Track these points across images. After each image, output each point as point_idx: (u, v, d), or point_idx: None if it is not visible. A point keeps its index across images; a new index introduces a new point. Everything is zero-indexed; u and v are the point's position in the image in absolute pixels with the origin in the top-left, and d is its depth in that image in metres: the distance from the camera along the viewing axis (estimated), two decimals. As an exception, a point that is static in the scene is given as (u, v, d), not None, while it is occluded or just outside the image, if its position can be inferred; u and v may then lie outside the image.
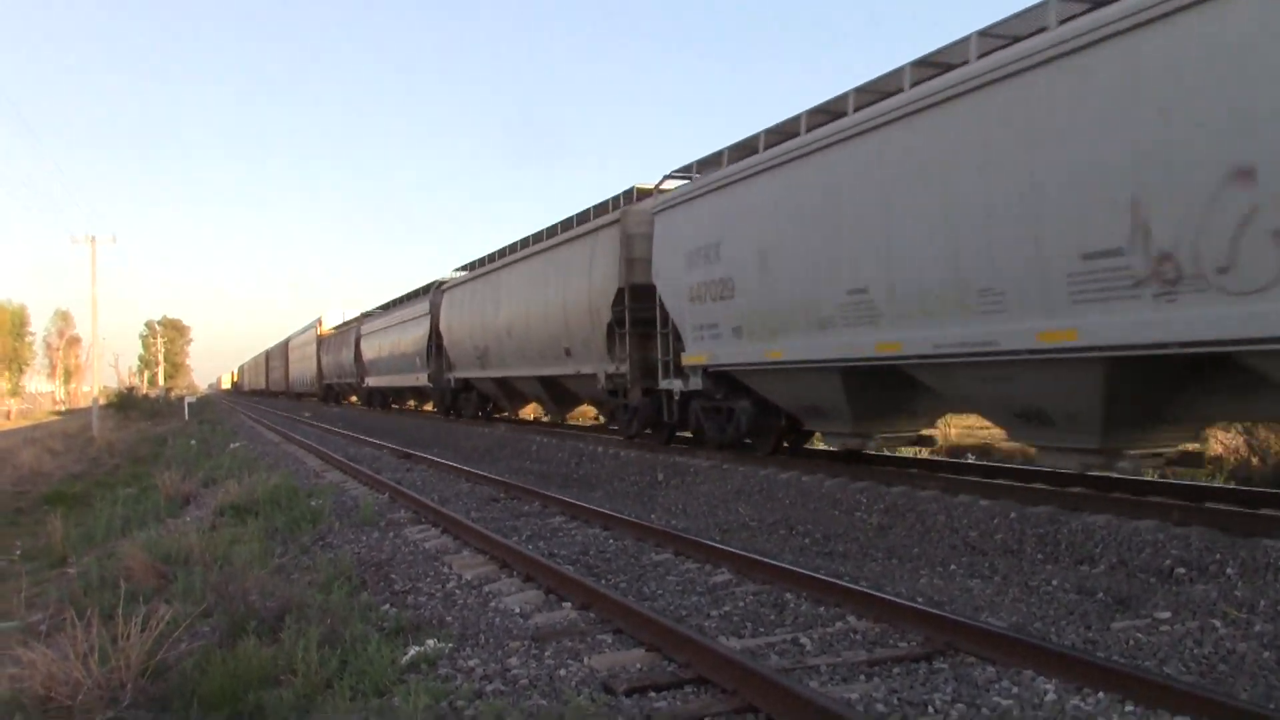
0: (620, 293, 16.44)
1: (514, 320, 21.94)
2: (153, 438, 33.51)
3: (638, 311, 16.25)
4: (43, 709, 5.16)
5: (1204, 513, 8.26)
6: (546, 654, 5.51)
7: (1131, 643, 5.44)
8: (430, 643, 5.67)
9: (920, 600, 6.33)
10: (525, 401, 26.44)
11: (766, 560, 7.46)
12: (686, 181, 14.78)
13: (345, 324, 49.16)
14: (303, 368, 62.13)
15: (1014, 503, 9.16)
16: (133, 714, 4.95)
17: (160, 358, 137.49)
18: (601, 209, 18.61)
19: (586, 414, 26.87)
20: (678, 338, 14.84)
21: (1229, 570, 6.76)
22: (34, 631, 7.02)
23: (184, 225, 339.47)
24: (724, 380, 13.82)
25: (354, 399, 50.31)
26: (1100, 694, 4.47)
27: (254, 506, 11.48)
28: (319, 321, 55.55)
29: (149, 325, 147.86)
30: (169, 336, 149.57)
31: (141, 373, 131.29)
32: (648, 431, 17.27)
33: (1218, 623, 5.69)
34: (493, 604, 6.76)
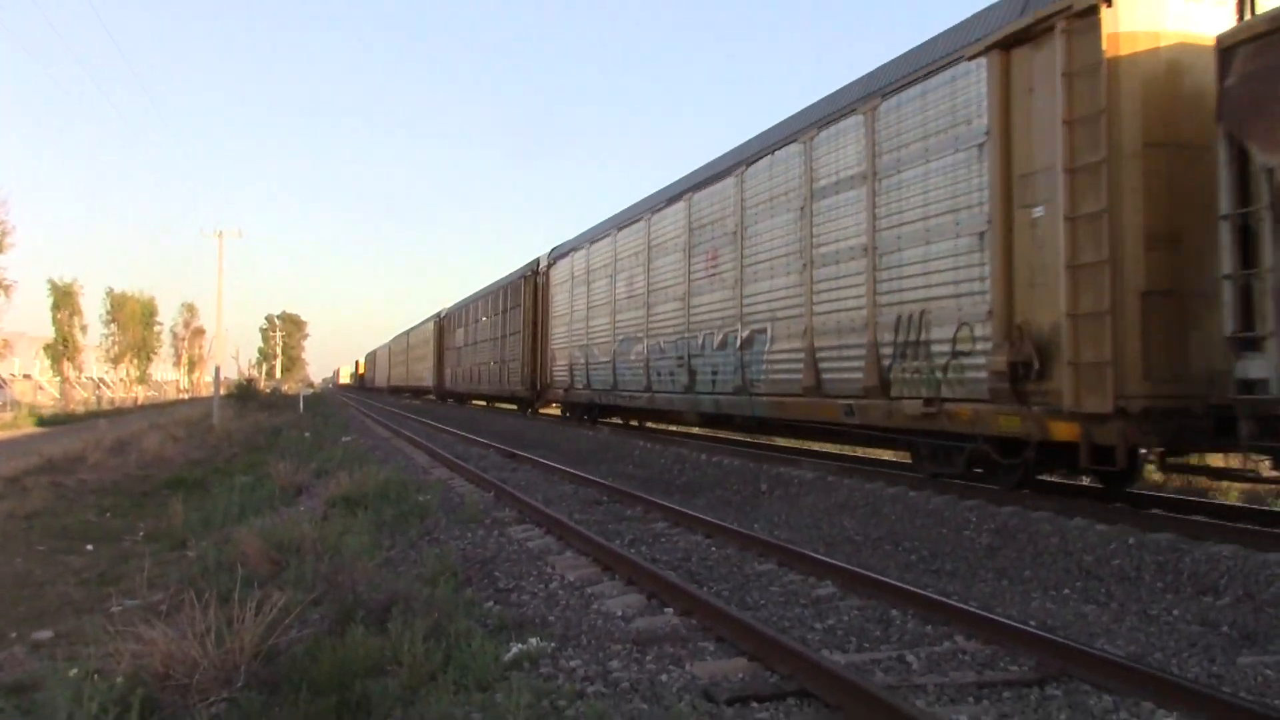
0: None
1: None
2: (268, 429, 34.58)
3: None
4: (161, 686, 5.34)
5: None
6: (648, 658, 5.51)
7: (1260, 679, 5.19)
8: (533, 641, 5.71)
9: (1033, 623, 6.14)
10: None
11: (872, 575, 7.33)
12: None
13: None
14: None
15: (1132, 528, 8.81)
16: (246, 696, 5.08)
17: (279, 351, 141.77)
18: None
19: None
20: None
21: (1369, 609, 6.40)
22: (155, 610, 7.28)
23: (303, 220, 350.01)
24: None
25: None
26: (1226, 732, 4.27)
27: (364, 499, 11.73)
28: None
29: (269, 319, 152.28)
30: (287, 330, 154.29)
31: (260, 365, 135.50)
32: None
33: (1356, 664, 5.39)
34: (595, 606, 6.78)
